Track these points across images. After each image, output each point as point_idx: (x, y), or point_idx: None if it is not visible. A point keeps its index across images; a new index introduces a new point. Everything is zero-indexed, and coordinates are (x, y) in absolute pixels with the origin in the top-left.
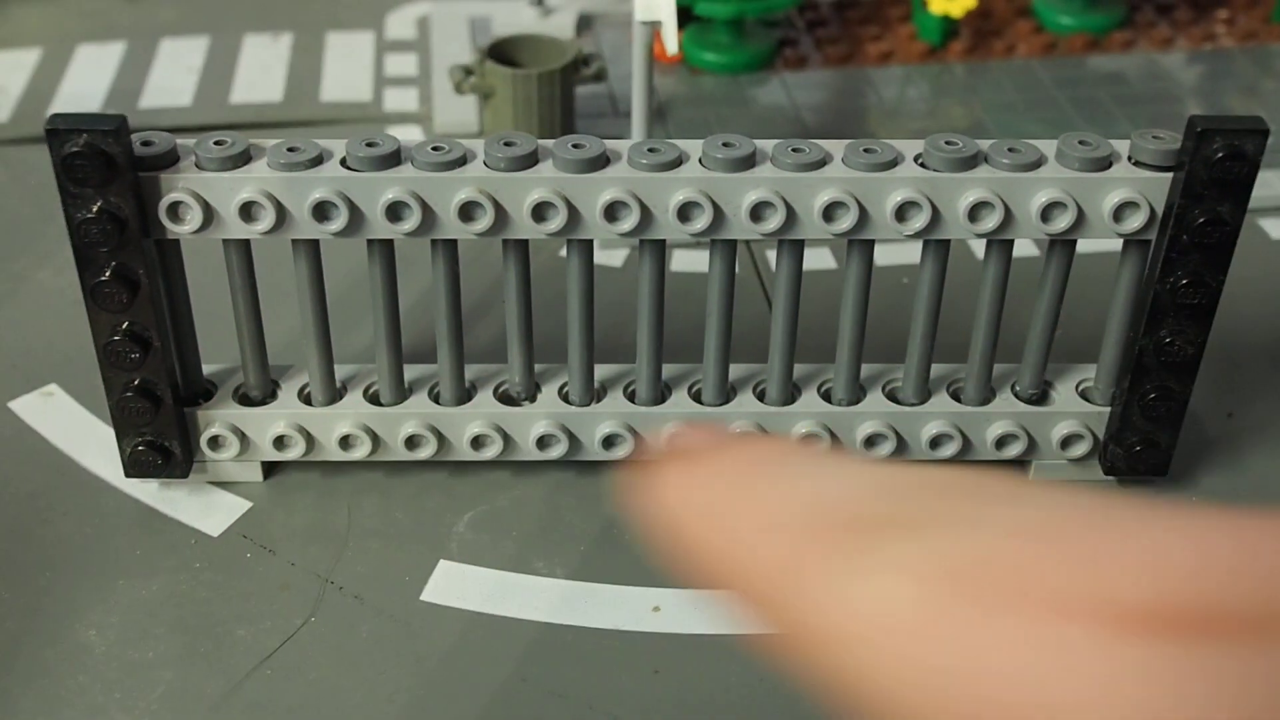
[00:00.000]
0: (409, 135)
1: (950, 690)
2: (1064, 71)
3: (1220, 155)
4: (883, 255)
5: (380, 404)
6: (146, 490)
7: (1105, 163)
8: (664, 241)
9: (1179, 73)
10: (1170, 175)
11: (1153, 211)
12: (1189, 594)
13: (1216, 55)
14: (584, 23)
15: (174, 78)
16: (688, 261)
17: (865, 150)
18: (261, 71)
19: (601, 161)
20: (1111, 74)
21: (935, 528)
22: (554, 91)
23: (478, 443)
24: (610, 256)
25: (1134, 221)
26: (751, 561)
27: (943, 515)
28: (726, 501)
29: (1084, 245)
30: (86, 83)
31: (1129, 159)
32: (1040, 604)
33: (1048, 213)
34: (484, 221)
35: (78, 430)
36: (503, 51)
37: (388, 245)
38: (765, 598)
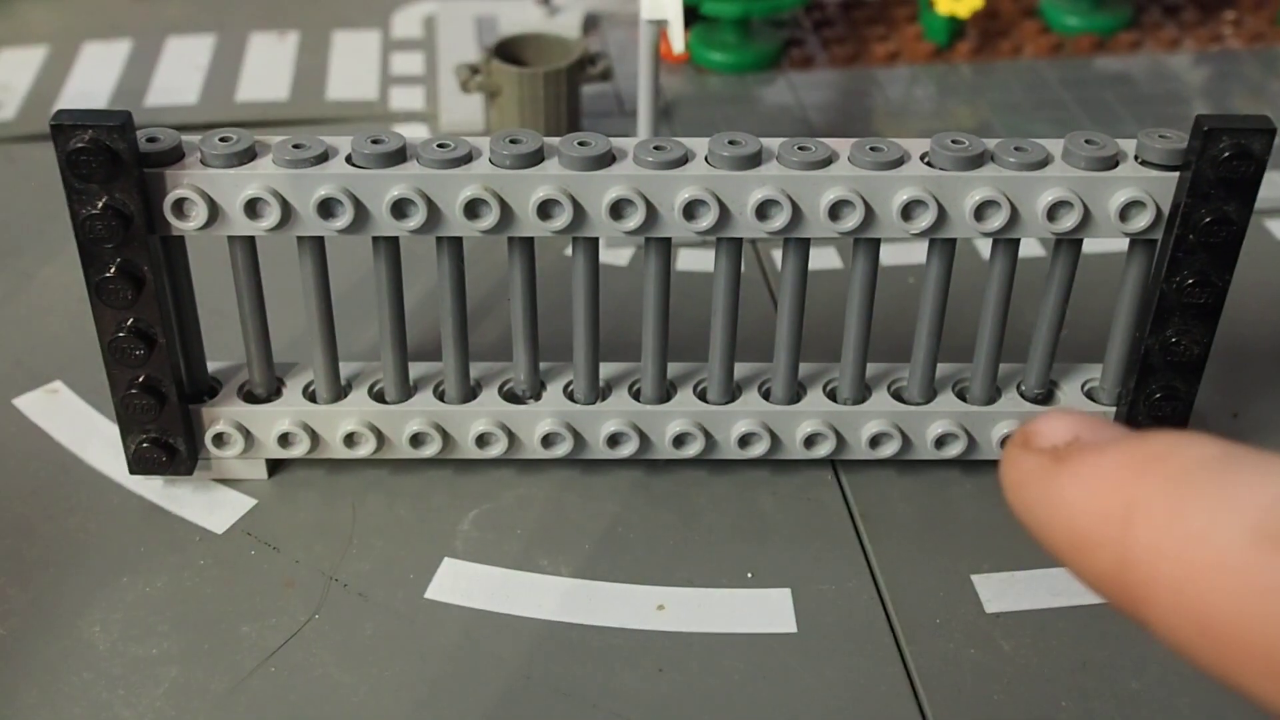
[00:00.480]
0: (415, 134)
1: None
2: (1070, 72)
3: (1227, 154)
4: (889, 255)
5: (385, 402)
6: (151, 487)
7: (1112, 162)
8: (669, 240)
9: (1185, 74)
10: (1177, 174)
11: (1159, 211)
12: None
13: (1223, 56)
14: (590, 22)
15: (180, 76)
16: (693, 260)
17: (871, 149)
18: (267, 70)
19: (607, 159)
20: (1118, 75)
21: None
22: (560, 90)
23: (483, 441)
24: (616, 255)
25: (1140, 221)
26: (1206, 567)
27: None
28: (1185, 502)
29: (1090, 245)
30: (92, 80)
31: (1135, 158)
32: None
33: (1054, 212)
34: (489, 219)
35: (82, 427)
36: (509, 50)
37: (393, 242)
38: (1229, 603)
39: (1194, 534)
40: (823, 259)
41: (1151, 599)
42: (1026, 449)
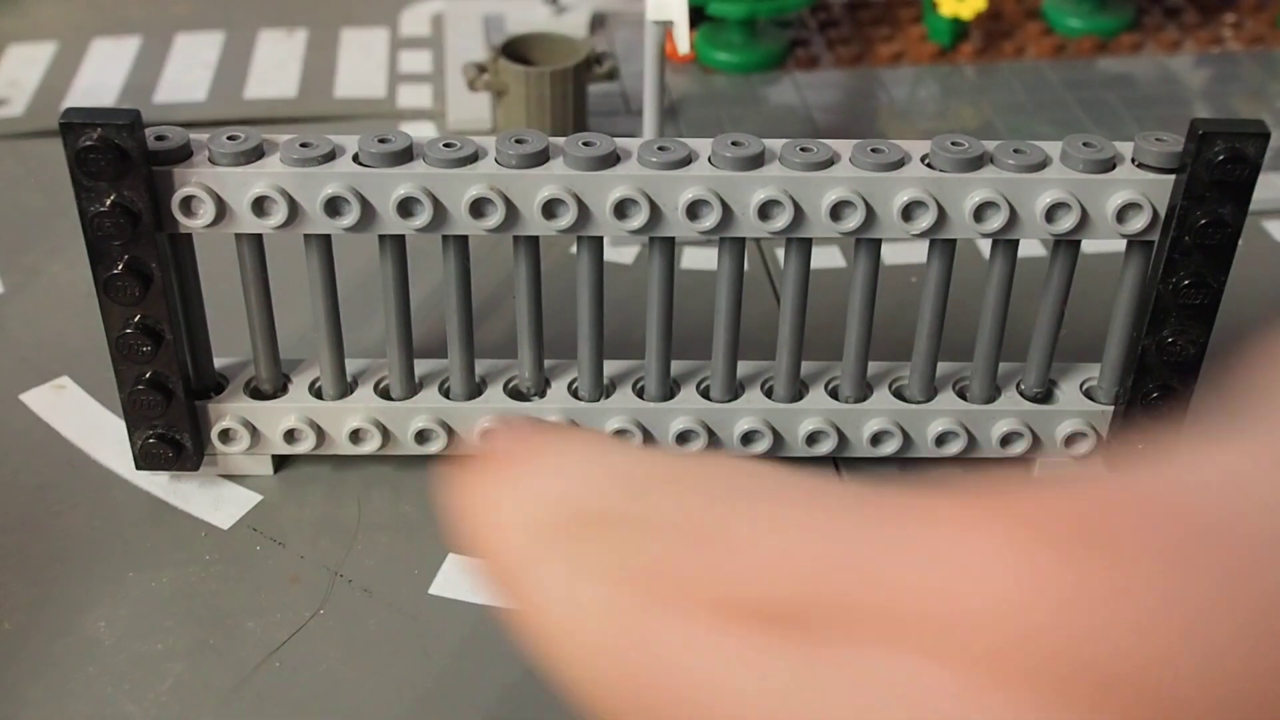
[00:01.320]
0: (422, 132)
1: (628, 684)
2: (1073, 73)
3: (1222, 158)
4: (890, 254)
5: (391, 398)
6: (157, 483)
7: (1109, 164)
8: (673, 239)
9: (1186, 75)
10: (1173, 177)
11: (1155, 213)
12: (786, 590)
13: (1223, 59)
14: (597, 21)
15: (189, 73)
16: (697, 259)
17: (872, 150)
18: (276, 67)
19: (611, 159)
20: (1120, 76)
21: (631, 527)
22: (567, 90)
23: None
24: (620, 254)
25: (1137, 223)
26: (495, 559)
27: (643, 513)
28: (496, 498)
29: (1089, 246)
30: (101, 77)
31: (1132, 161)
32: (685, 602)
33: (1052, 213)
34: (495, 218)
35: (89, 423)
36: (516, 49)
37: (399, 241)
38: (508, 593)
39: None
40: (825, 258)
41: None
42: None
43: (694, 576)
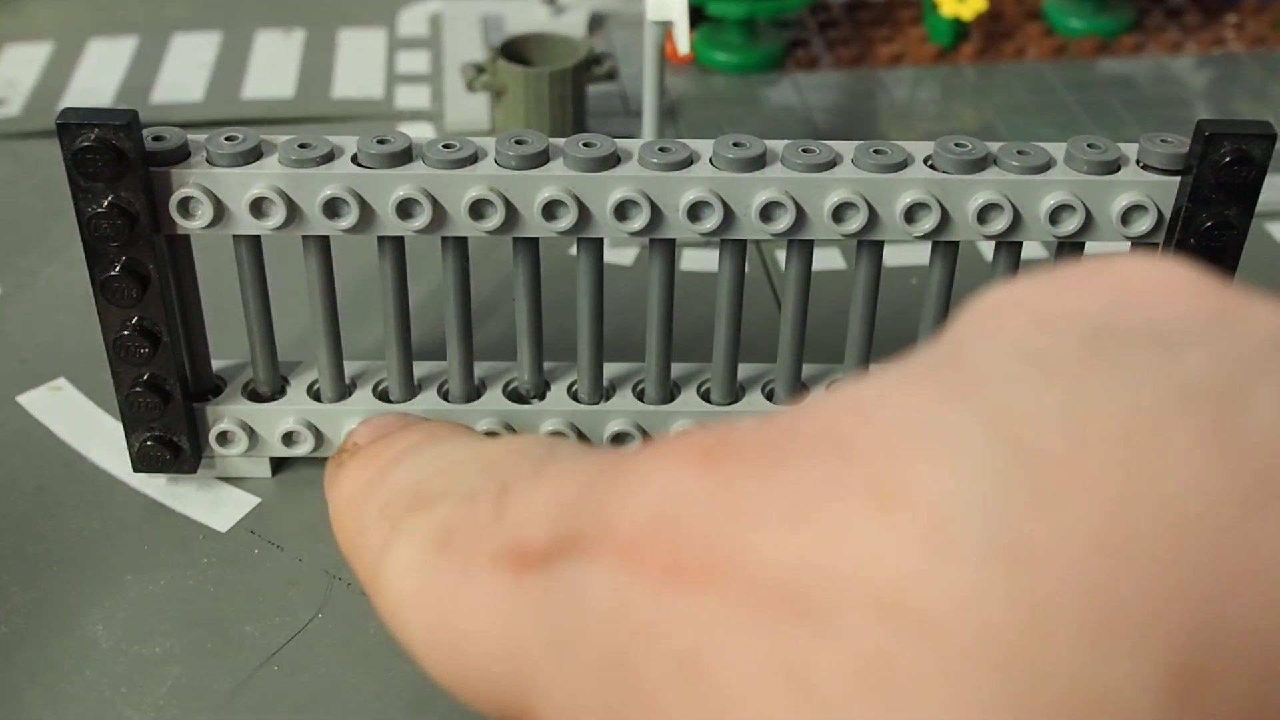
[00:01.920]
0: (420, 132)
1: (437, 629)
2: (1074, 74)
3: (1228, 159)
4: (891, 256)
5: (390, 400)
6: (155, 485)
7: (1113, 166)
8: (674, 241)
9: (1188, 77)
10: (1178, 179)
11: (1160, 215)
12: (542, 533)
13: (1225, 60)
14: (596, 22)
15: (186, 73)
16: (698, 261)
17: (875, 151)
18: (273, 68)
19: (612, 160)
20: (1121, 77)
21: (446, 500)
22: (565, 90)
23: None
24: (620, 255)
25: (1141, 225)
26: (351, 545)
27: (457, 489)
28: (361, 489)
29: (1095, 249)
30: (98, 77)
31: (1137, 162)
32: (472, 554)
33: (1056, 215)
34: (494, 219)
35: (86, 425)
36: (515, 50)
37: (398, 242)
38: (369, 570)
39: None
40: (827, 260)
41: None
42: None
43: (481, 533)
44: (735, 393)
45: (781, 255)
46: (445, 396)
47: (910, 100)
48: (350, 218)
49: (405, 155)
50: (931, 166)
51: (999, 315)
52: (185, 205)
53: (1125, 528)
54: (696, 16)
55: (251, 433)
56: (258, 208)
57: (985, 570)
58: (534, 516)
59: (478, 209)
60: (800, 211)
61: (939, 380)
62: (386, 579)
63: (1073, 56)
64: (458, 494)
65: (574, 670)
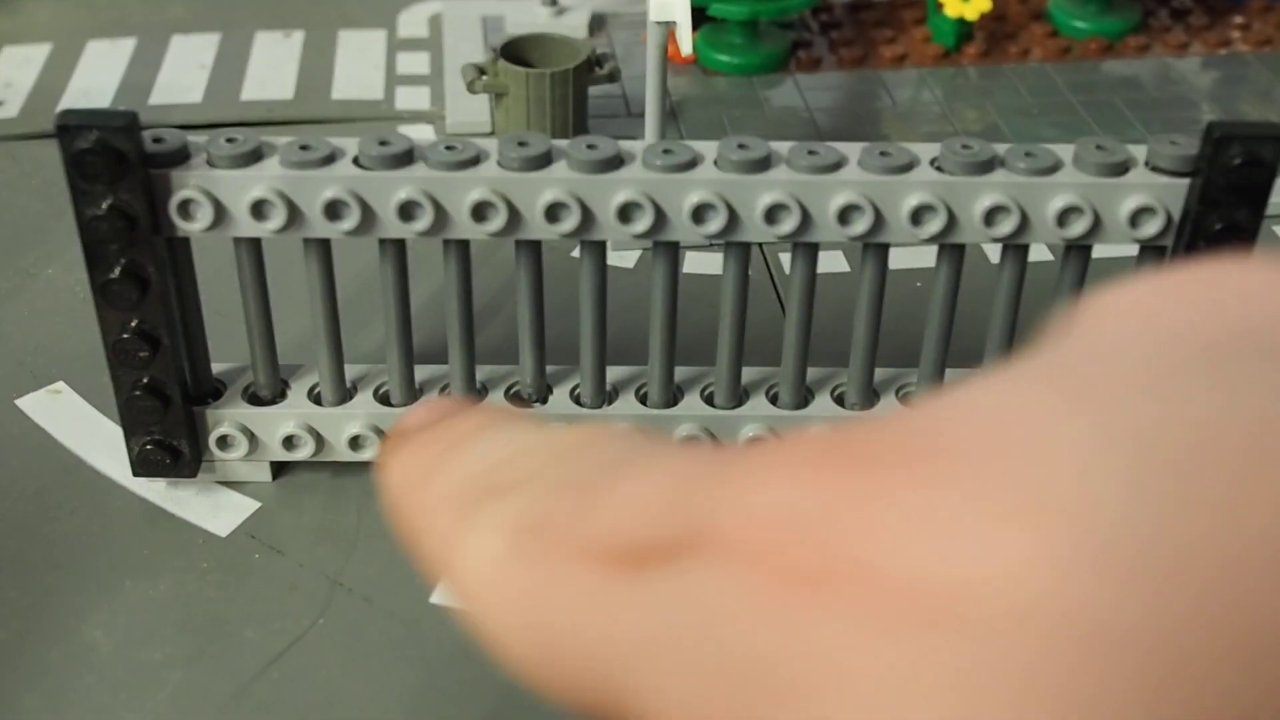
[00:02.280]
0: (421, 134)
1: (525, 627)
2: (1078, 76)
3: (1238, 161)
4: (897, 259)
5: (391, 404)
6: (154, 489)
7: (1122, 168)
8: (677, 243)
9: (1194, 78)
10: (1187, 181)
11: (1169, 217)
12: (641, 531)
13: (1232, 60)
14: (597, 23)
15: (185, 74)
16: (701, 263)
17: (881, 153)
18: (273, 69)
19: (616, 163)
20: (1126, 79)
21: (526, 490)
22: (567, 91)
23: None
24: (623, 257)
25: (1150, 227)
26: (412, 531)
27: (536, 478)
28: (420, 474)
29: (1101, 253)
30: (97, 79)
31: (1146, 164)
32: (562, 548)
33: (1064, 218)
34: (497, 222)
35: (85, 429)
36: (515, 51)
37: (400, 245)
38: (438, 562)
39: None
40: (831, 263)
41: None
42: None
43: (570, 526)
44: (739, 397)
45: (786, 257)
46: None
47: (913, 101)
48: (351, 220)
49: (407, 157)
50: (938, 169)
51: (1119, 319)
52: (185, 207)
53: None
54: (698, 17)
55: (252, 437)
56: (258, 210)
57: (1139, 580)
58: (630, 513)
59: (480, 211)
60: (805, 214)
61: (1065, 387)
62: (462, 570)
63: (1077, 57)
64: (536, 484)
65: (694, 671)
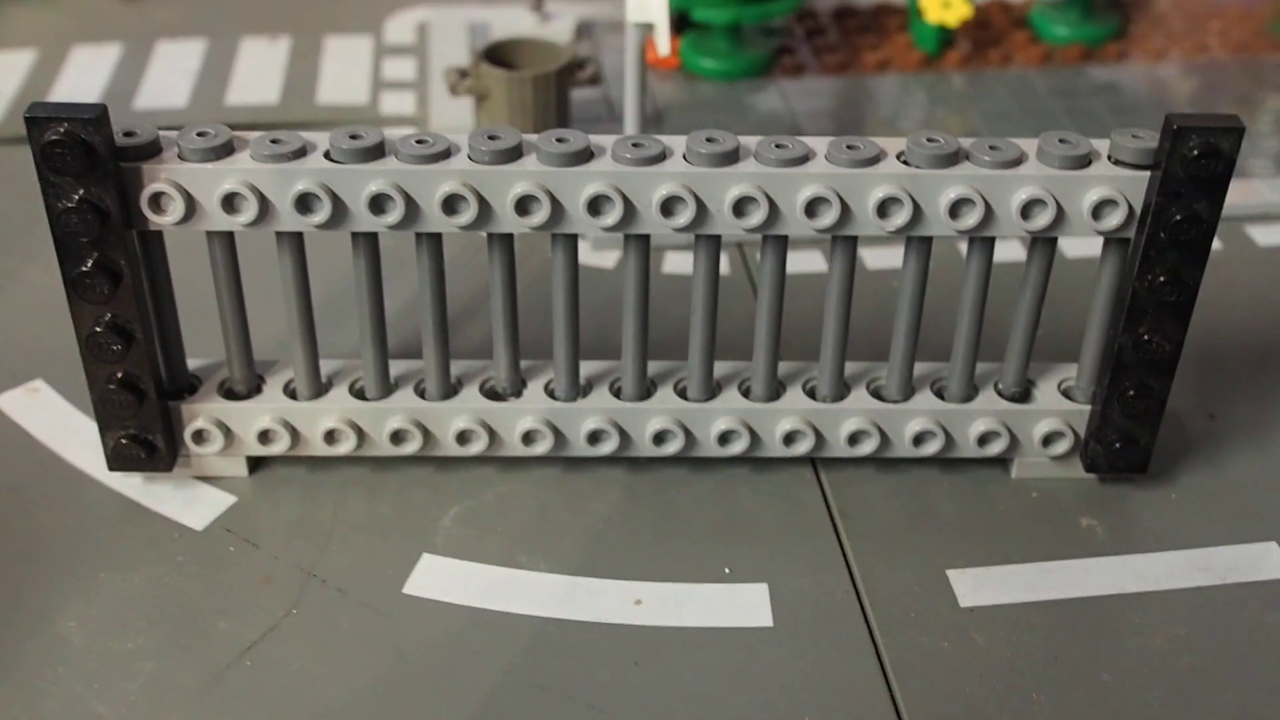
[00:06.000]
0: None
1: None
2: (1059, 81)
3: (1196, 153)
4: (873, 260)
5: (366, 399)
6: (130, 484)
7: (1085, 161)
8: (648, 237)
9: (1173, 83)
10: (1148, 173)
11: (1131, 209)
12: None
13: (1210, 66)
14: (583, 29)
15: (170, 80)
16: (679, 263)
17: (848, 146)
18: (258, 74)
19: (585, 156)
20: (1106, 84)
21: None
22: (549, 94)
23: (463, 438)
24: (602, 258)
25: (1113, 219)
26: None
27: None
28: None
29: (1068, 248)
30: (81, 84)
31: (1108, 157)
32: None
33: (1028, 210)
34: (467, 215)
35: (62, 425)
36: (499, 54)
37: (372, 239)
38: None
39: None
40: (808, 263)
41: None
42: None
43: None
44: (711, 390)
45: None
46: (422, 394)
47: (896, 107)
48: (322, 213)
49: (378, 150)
50: (904, 161)
51: None
52: (157, 201)
53: None
54: (682, 23)
55: (227, 431)
56: (229, 203)
57: None
58: None
59: (450, 204)
60: (773, 206)
61: None
62: None
63: (1058, 63)
64: None
65: None
